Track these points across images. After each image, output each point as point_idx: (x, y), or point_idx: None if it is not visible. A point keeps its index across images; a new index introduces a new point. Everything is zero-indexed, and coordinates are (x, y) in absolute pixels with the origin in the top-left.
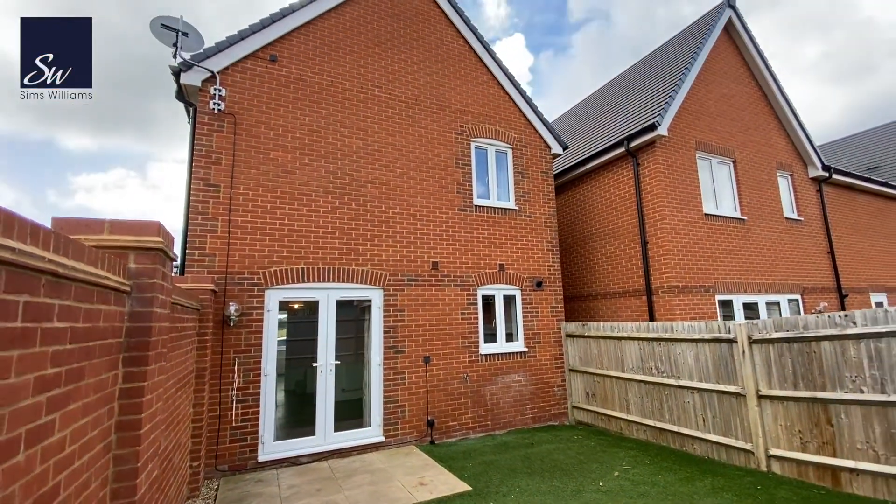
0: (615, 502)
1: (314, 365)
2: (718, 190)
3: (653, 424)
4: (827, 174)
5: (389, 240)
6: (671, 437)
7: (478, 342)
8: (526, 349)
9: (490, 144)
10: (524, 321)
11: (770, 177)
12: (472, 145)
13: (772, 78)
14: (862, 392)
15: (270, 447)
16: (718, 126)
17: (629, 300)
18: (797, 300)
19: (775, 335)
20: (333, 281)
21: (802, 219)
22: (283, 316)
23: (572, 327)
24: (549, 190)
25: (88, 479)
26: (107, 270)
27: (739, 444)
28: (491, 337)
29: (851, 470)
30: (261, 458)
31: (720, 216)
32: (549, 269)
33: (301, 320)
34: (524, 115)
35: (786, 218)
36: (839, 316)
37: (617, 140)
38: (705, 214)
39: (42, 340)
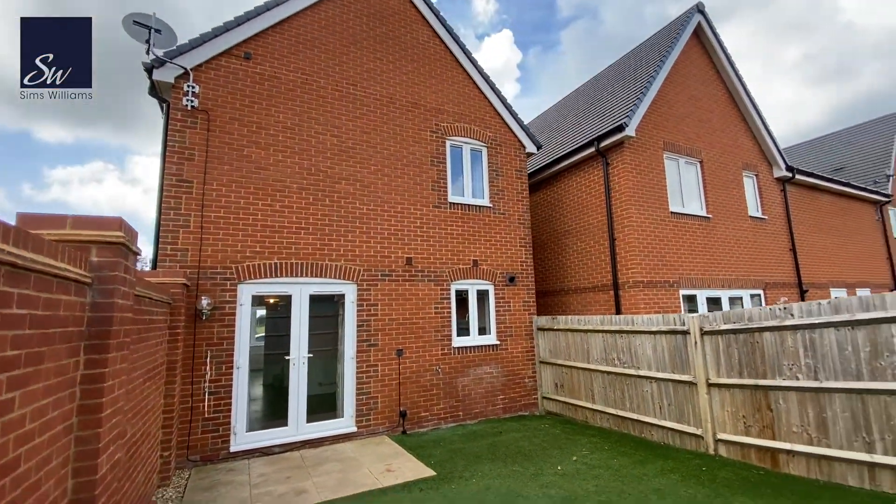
0: (569, 483)
1: (287, 358)
2: (685, 189)
3: (615, 413)
4: (790, 174)
5: (364, 235)
6: (631, 424)
7: (451, 335)
8: (498, 342)
9: (465, 143)
10: (497, 315)
11: (736, 177)
12: (448, 143)
13: (738, 80)
14: (797, 379)
15: (243, 438)
16: (686, 127)
17: (598, 295)
18: (759, 295)
19: (724, 327)
20: (307, 276)
21: (766, 217)
22: (263, 312)
23: (543, 321)
24: (523, 188)
25: (50, 455)
26: (67, 263)
27: (691, 429)
28: (464, 330)
29: (788, 452)
30: (233, 449)
31: (686, 214)
32: (522, 264)
33: (279, 316)
34: (499, 115)
35: (750, 216)
36: (779, 308)
37: (588, 140)
38: (671, 213)
39: (2, 325)
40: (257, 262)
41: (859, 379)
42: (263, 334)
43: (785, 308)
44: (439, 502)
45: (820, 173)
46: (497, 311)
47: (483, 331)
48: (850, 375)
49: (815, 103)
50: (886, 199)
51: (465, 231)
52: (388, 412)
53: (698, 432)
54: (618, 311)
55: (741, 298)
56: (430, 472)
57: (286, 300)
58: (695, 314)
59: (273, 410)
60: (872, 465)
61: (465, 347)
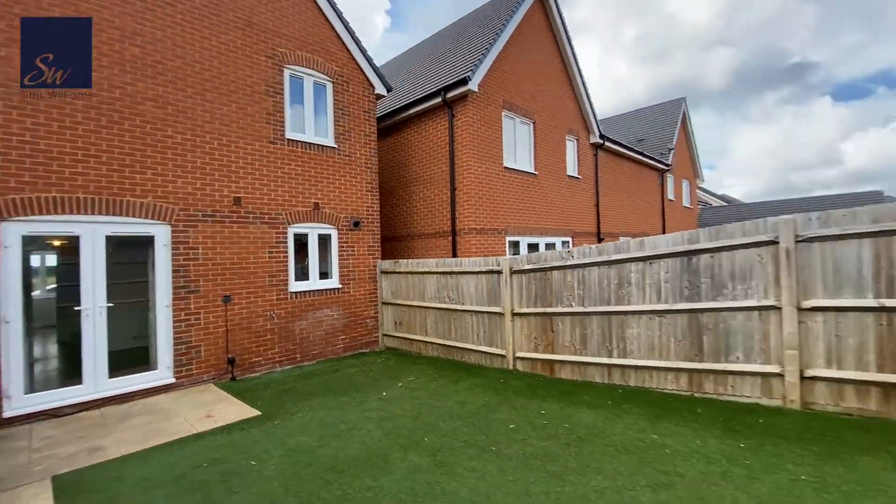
0: (389, 405)
1: (77, 309)
2: (518, 147)
3: (443, 343)
4: (602, 141)
5: (178, 169)
6: (456, 351)
7: (287, 280)
8: (340, 286)
9: (307, 74)
10: (340, 259)
11: (561, 139)
12: (286, 73)
13: (571, 52)
14: (572, 306)
15: (21, 401)
16: (524, 89)
17: (439, 240)
18: (569, 242)
19: (527, 267)
20: (101, 213)
21: (580, 177)
22: (54, 261)
23: (386, 265)
24: (371, 130)
25: None
26: None
27: (499, 351)
28: (303, 275)
29: (561, 362)
30: (7, 414)
31: (517, 170)
32: (368, 209)
33: (74, 262)
34: (347, 49)
35: (568, 175)
36: (564, 252)
37: (436, 89)
38: (505, 167)
39: None
40: (27, 196)
41: (609, 304)
42: (56, 284)
43: (568, 251)
44: (259, 438)
45: (624, 142)
46: (340, 255)
47: (325, 275)
48: (603, 302)
49: (642, 80)
50: (666, 168)
51: (306, 171)
52: (213, 360)
53: (503, 353)
54: (454, 255)
55: (555, 244)
56: (254, 413)
57: (75, 242)
58: (507, 257)
59: (66, 368)
60: (610, 366)
61: (305, 292)
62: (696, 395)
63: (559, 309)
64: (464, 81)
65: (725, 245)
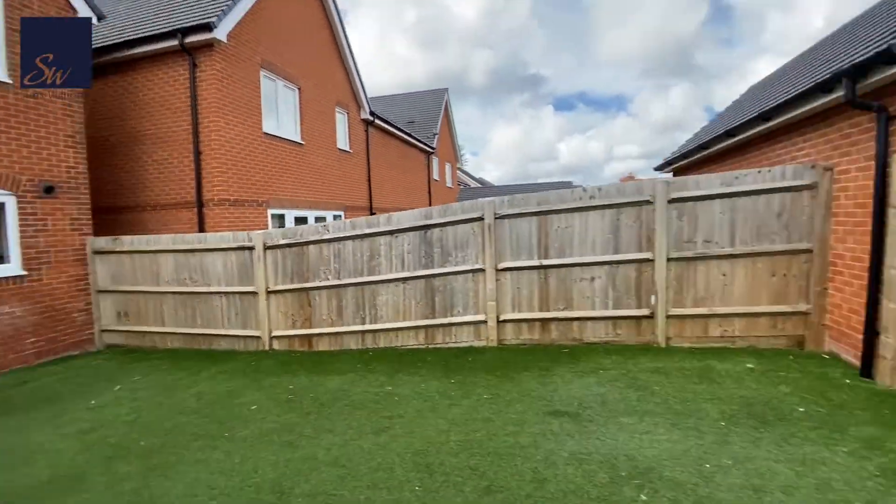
0: (98, 413)
1: None
2: (281, 112)
3: (185, 332)
4: (372, 119)
5: None
6: (202, 339)
7: None
8: (25, 272)
9: None
10: (23, 237)
11: (330, 110)
12: None
13: (341, 25)
14: (328, 279)
15: None
16: (288, 52)
17: (181, 213)
18: (341, 215)
19: (282, 242)
20: None
21: (352, 151)
22: None
23: (102, 242)
24: None
25: None
26: None
27: (253, 332)
28: None
29: (319, 335)
30: None
31: (280, 137)
32: (70, 171)
33: None
34: None
35: (339, 148)
36: (320, 227)
37: (171, 30)
38: (265, 133)
39: None
40: None
41: (362, 275)
42: None
43: (325, 226)
44: None
45: (394, 122)
46: (23, 231)
47: None
48: (358, 273)
49: (422, 64)
50: (432, 151)
51: None
52: None
53: (258, 334)
54: (202, 230)
55: (326, 218)
56: None
57: None
58: (259, 232)
59: None
60: (363, 332)
61: None
62: (430, 346)
63: (316, 283)
64: (207, 27)
65: (451, 220)
